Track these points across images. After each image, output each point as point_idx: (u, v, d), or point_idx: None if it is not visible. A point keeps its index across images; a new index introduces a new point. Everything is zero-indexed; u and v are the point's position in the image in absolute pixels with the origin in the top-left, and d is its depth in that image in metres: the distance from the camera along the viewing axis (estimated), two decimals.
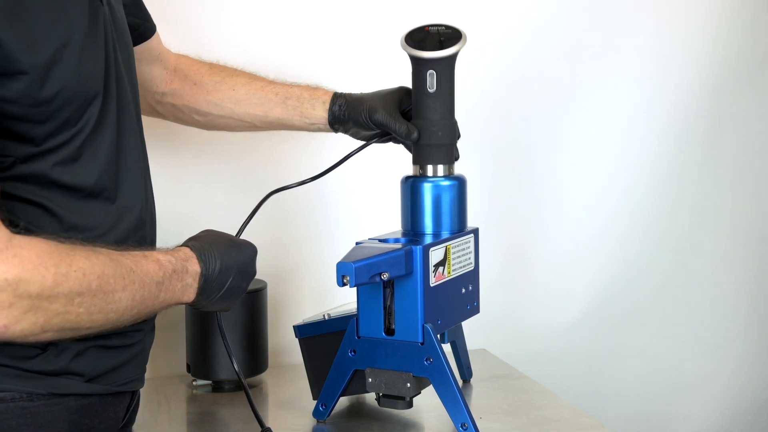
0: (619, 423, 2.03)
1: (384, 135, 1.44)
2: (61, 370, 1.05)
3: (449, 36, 1.38)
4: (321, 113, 1.46)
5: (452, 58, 1.38)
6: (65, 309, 0.95)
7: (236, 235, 1.29)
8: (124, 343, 1.12)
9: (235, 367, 1.29)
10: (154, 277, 1.06)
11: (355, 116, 1.43)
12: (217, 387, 1.64)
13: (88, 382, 1.08)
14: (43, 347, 1.04)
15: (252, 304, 1.62)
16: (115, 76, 1.10)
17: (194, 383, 1.67)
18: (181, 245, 1.16)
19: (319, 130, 1.49)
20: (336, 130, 1.48)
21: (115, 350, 1.11)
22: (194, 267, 1.13)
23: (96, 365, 1.09)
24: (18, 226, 0.97)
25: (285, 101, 1.47)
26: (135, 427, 1.25)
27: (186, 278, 1.11)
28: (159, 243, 1.23)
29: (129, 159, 1.13)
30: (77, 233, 1.04)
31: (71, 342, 1.05)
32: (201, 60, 1.54)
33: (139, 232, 1.14)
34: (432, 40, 1.37)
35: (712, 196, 2.10)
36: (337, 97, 1.46)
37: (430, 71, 1.37)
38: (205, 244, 1.16)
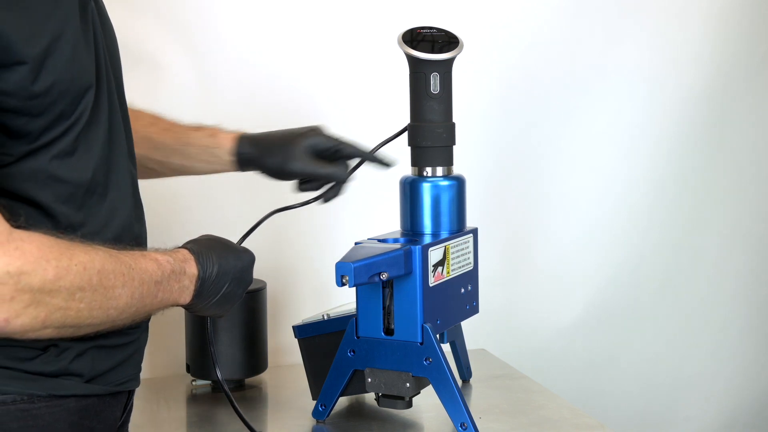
0: (619, 423, 2.03)
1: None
2: (62, 370, 1.05)
3: (444, 38, 1.38)
4: (226, 158, 1.41)
5: (453, 59, 1.38)
6: (66, 304, 0.95)
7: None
8: (121, 342, 1.11)
9: (219, 376, 1.29)
10: (153, 276, 1.06)
11: (265, 162, 1.39)
12: (217, 387, 1.64)
13: (87, 383, 1.07)
14: (43, 348, 1.03)
15: (251, 303, 1.62)
16: (105, 70, 1.09)
17: (193, 383, 1.67)
18: (180, 247, 1.15)
19: (226, 171, 1.45)
20: (246, 170, 1.43)
21: (112, 349, 1.11)
22: (192, 269, 1.12)
23: (95, 365, 1.08)
24: (18, 221, 0.96)
25: (184, 148, 1.41)
26: (134, 427, 1.25)
27: (183, 280, 1.11)
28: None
29: (118, 154, 1.12)
30: (73, 231, 1.03)
31: (72, 342, 1.04)
32: None
33: (133, 229, 1.14)
34: (428, 43, 1.37)
35: (711, 197, 2.10)
36: (243, 140, 1.40)
37: (434, 73, 1.37)
38: (204, 247, 1.16)
